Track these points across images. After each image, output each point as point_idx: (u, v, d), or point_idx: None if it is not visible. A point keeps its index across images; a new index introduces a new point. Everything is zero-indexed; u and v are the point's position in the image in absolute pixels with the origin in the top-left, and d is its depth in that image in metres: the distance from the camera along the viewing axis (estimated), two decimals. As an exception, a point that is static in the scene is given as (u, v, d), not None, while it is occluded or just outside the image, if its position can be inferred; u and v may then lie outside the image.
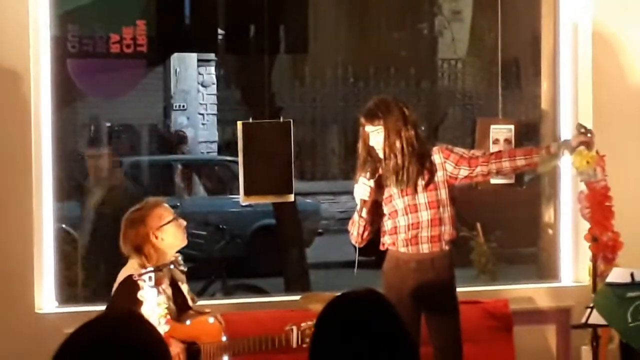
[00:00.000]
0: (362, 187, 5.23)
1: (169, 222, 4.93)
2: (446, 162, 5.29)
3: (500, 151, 5.64)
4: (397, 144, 5.18)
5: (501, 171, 5.38)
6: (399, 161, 5.19)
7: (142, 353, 2.17)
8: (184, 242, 5.01)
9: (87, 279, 7.62)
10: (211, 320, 4.98)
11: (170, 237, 4.93)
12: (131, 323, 2.21)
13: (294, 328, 4.94)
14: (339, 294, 2.68)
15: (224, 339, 4.94)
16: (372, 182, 5.21)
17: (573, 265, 6.58)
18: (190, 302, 5.06)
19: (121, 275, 4.88)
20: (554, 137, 6.53)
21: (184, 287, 5.05)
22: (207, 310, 5.13)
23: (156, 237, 4.90)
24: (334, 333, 2.53)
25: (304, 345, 4.89)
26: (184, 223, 5.03)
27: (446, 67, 17.13)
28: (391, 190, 5.27)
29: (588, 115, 6.45)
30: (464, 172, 5.29)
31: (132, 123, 14.94)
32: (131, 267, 4.85)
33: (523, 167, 5.42)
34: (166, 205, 5.06)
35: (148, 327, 2.24)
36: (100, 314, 2.24)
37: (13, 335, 5.75)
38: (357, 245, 5.37)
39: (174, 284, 4.97)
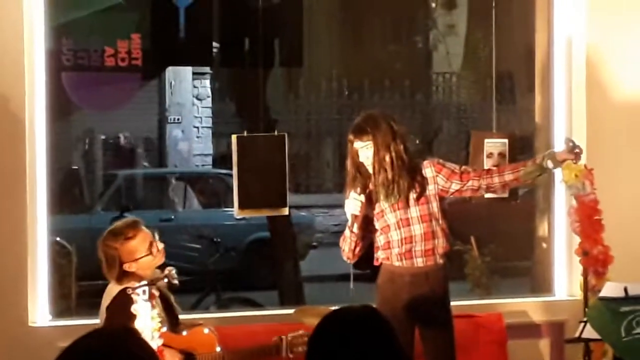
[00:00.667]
0: (353, 202, 5.23)
1: (142, 257, 4.88)
2: (438, 176, 5.29)
3: (490, 168, 5.67)
4: (387, 158, 5.18)
5: (491, 187, 5.40)
6: (389, 175, 5.19)
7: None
8: (162, 261, 4.97)
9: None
10: (206, 330, 5.01)
11: (144, 267, 4.89)
12: (125, 337, 2.22)
13: (283, 338, 4.97)
14: (334, 308, 2.69)
15: (218, 349, 4.97)
16: (362, 197, 5.22)
17: (567, 279, 6.57)
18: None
19: (108, 292, 4.88)
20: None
21: (171, 298, 5.06)
22: (199, 322, 5.15)
23: (130, 267, 4.89)
24: (328, 348, 2.54)
25: (291, 355, 4.94)
26: (161, 246, 4.94)
27: (441, 80, 17.18)
28: (382, 205, 5.27)
29: (582, 128, 6.47)
30: (455, 186, 5.30)
31: (127, 136, 14.96)
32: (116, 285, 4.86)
33: (512, 182, 5.43)
34: (141, 233, 4.92)
35: (142, 342, 2.25)
36: (96, 329, 2.24)
37: (6, 348, 5.73)
38: (348, 262, 5.38)
39: (162, 295, 4.97)
